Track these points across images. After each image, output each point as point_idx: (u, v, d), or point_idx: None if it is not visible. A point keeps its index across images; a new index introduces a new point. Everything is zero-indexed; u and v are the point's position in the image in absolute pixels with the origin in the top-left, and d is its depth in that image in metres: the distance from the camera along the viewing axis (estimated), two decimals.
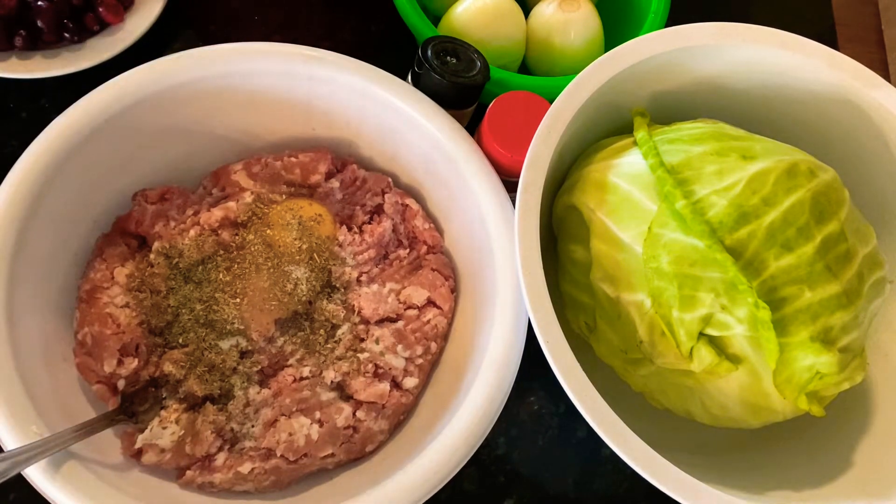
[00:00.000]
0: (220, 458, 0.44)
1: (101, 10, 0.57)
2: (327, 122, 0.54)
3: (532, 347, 0.42)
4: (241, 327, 0.47)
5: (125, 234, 0.50)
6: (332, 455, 0.46)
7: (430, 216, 0.54)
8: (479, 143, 0.50)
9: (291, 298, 0.48)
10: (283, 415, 0.46)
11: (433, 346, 0.49)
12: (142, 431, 0.45)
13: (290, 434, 0.45)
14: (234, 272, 0.48)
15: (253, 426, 0.45)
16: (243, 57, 0.49)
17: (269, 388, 0.47)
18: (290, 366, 0.48)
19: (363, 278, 0.50)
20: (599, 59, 0.46)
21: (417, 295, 0.50)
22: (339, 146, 0.55)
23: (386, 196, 0.53)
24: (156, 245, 0.49)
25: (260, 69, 0.50)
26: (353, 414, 0.46)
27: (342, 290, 0.50)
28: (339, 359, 0.48)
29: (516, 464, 0.53)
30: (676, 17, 0.56)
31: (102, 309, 0.47)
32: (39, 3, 0.55)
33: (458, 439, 0.42)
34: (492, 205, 0.48)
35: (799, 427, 0.47)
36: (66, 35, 0.56)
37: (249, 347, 0.47)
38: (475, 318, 0.49)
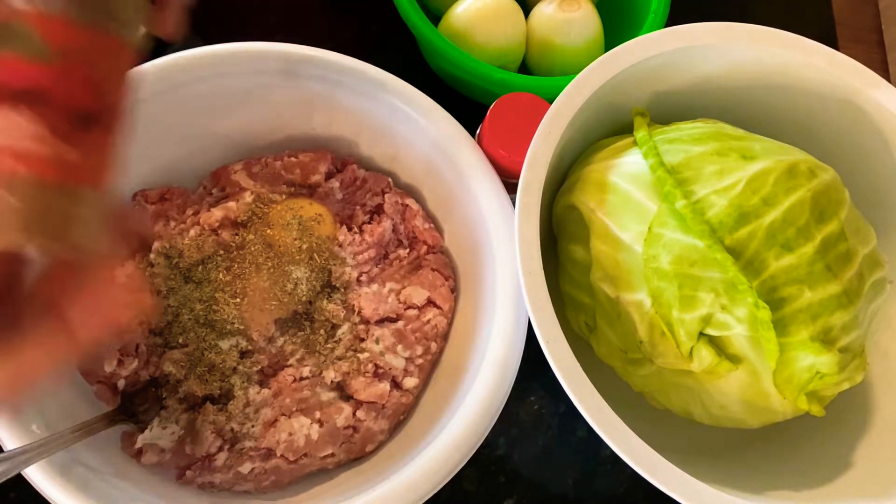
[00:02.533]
0: (220, 458, 0.44)
1: None
2: (327, 122, 0.54)
3: (532, 347, 0.42)
4: (241, 327, 0.47)
5: None
6: (332, 455, 0.46)
7: (430, 216, 0.54)
8: (480, 143, 0.50)
9: (291, 298, 0.48)
10: (283, 415, 0.46)
11: (433, 345, 0.49)
12: (142, 431, 0.45)
13: (290, 434, 0.45)
14: (234, 272, 0.48)
15: (253, 426, 0.45)
16: (243, 57, 0.49)
17: (269, 388, 0.47)
18: (290, 366, 0.48)
19: (363, 278, 0.50)
20: (599, 59, 0.46)
21: (417, 295, 0.50)
22: (339, 146, 0.55)
23: (386, 196, 0.53)
24: (156, 245, 0.49)
25: (260, 69, 0.50)
26: (353, 414, 0.46)
27: (342, 290, 0.50)
28: (339, 359, 0.48)
29: (516, 464, 0.53)
30: (676, 17, 0.56)
31: None
32: None
33: (458, 439, 0.42)
34: (492, 205, 0.48)
35: (799, 427, 0.47)
36: None
37: (249, 347, 0.47)
38: (475, 318, 0.49)
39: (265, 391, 0.46)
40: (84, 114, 0.28)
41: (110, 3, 0.29)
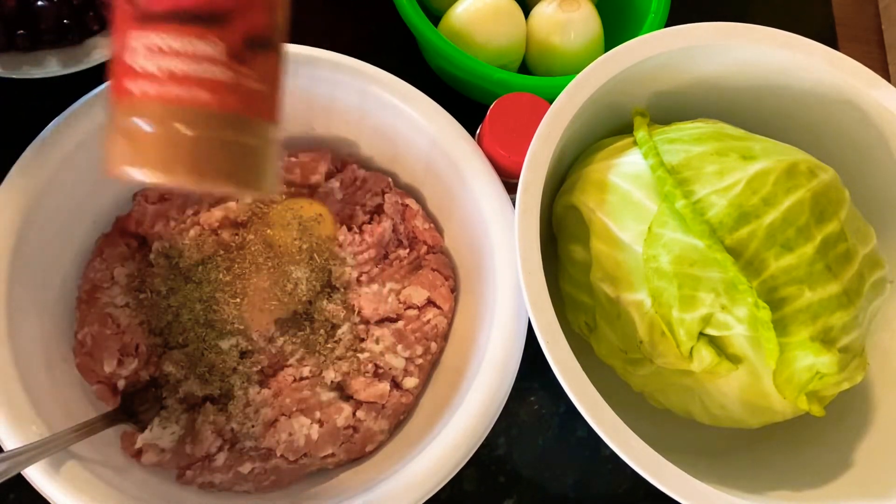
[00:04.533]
0: (220, 458, 0.44)
1: (101, 10, 0.57)
2: (327, 122, 0.54)
3: (532, 347, 0.42)
4: (241, 327, 0.47)
5: (125, 234, 0.50)
6: (333, 455, 0.46)
7: (430, 216, 0.54)
8: (480, 144, 0.50)
9: (291, 298, 0.48)
10: (283, 415, 0.46)
11: (433, 346, 0.49)
12: (142, 431, 0.45)
13: (290, 434, 0.45)
14: (234, 272, 0.48)
15: (253, 426, 0.45)
16: None
17: (269, 388, 0.47)
18: (290, 366, 0.48)
19: (363, 278, 0.50)
20: (599, 59, 0.46)
21: (417, 295, 0.50)
22: (339, 146, 0.55)
23: (386, 196, 0.53)
24: (156, 245, 0.49)
25: None
26: (353, 414, 0.46)
27: (342, 290, 0.50)
28: (339, 359, 0.48)
29: (516, 464, 0.53)
30: (676, 17, 0.56)
31: (102, 309, 0.47)
32: (40, 2, 0.55)
33: (458, 439, 0.42)
34: (492, 205, 0.48)
35: (799, 427, 0.47)
36: (67, 35, 0.56)
37: (249, 347, 0.47)
38: (475, 318, 0.49)
39: (265, 391, 0.46)
40: (259, 35, 0.26)
41: None
